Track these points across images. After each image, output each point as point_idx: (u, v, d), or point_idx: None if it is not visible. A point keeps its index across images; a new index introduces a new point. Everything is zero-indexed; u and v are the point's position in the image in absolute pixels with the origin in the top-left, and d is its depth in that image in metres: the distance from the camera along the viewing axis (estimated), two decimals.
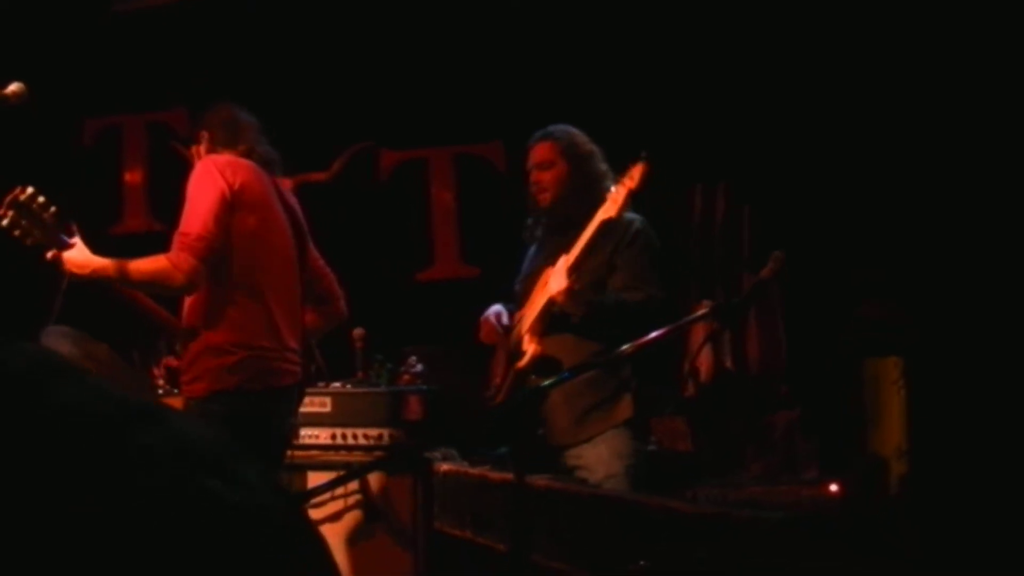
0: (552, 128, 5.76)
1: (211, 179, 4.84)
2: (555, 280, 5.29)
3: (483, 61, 8.20)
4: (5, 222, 4.67)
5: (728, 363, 7.38)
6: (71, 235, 4.83)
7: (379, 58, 8.44)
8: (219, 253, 4.79)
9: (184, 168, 8.63)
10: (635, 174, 5.17)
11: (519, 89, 8.00)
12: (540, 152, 5.71)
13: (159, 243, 8.20)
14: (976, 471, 5.86)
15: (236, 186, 4.85)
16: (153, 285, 4.85)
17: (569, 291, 5.22)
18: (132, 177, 9.30)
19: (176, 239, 4.76)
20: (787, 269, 4.95)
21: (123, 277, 4.80)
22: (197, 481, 0.77)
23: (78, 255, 4.79)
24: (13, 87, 4.31)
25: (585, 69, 7.89)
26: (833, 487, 5.72)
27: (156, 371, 6.73)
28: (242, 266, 4.89)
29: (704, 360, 7.27)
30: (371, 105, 8.56)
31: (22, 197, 4.68)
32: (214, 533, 0.76)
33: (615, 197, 5.20)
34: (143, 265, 4.77)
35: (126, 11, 8.89)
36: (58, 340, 6.08)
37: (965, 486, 5.81)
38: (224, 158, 5.00)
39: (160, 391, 6.63)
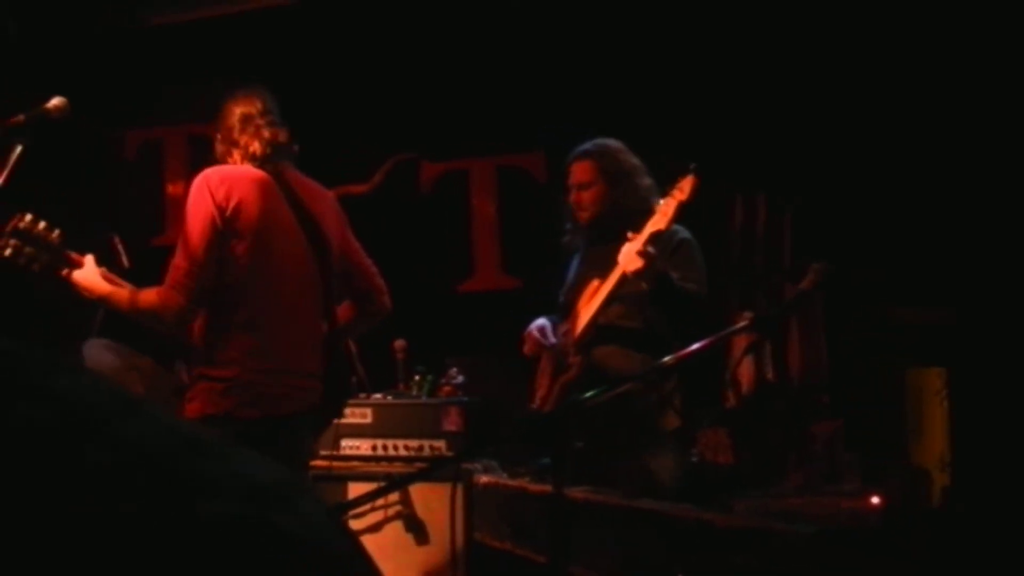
0: (591, 145, 5.76)
1: (203, 200, 4.73)
2: (627, 257, 5.24)
3: (523, 72, 8.21)
4: (8, 252, 4.67)
5: (769, 374, 7.36)
6: (80, 256, 4.84)
7: (420, 70, 8.46)
8: (209, 287, 4.70)
9: None
10: (685, 186, 5.13)
11: (560, 99, 8.00)
12: (579, 171, 5.73)
13: None
14: (1020, 482, 5.83)
15: (229, 210, 4.72)
16: (148, 320, 4.81)
17: (647, 263, 5.17)
18: (174, 189, 9.35)
19: (169, 271, 4.71)
20: (830, 280, 4.93)
21: (124, 307, 4.80)
22: (258, 511, 0.77)
23: (87, 278, 4.80)
24: (55, 101, 4.32)
25: (626, 80, 7.89)
26: (875, 499, 5.69)
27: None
28: (236, 294, 4.77)
29: (745, 371, 7.25)
30: (412, 117, 8.58)
31: (22, 225, 4.68)
32: (273, 564, 0.75)
33: (665, 209, 5.17)
34: (141, 299, 4.75)
35: (165, 24, 8.95)
36: (101, 352, 6.13)
37: (1008, 497, 5.79)
38: (220, 173, 4.86)
39: None
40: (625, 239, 5.30)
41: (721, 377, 7.18)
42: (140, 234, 8.63)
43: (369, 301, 5.33)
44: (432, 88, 8.45)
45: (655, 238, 5.22)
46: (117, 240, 6.08)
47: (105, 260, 5.05)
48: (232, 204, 4.73)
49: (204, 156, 9.16)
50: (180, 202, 9.26)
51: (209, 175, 4.81)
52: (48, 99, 4.35)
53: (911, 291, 6.95)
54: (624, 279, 5.30)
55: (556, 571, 4.10)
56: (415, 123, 8.64)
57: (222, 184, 4.76)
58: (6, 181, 4.07)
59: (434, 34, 8.42)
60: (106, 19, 8.86)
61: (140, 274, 5.57)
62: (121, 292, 4.80)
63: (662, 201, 5.21)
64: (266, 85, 5.24)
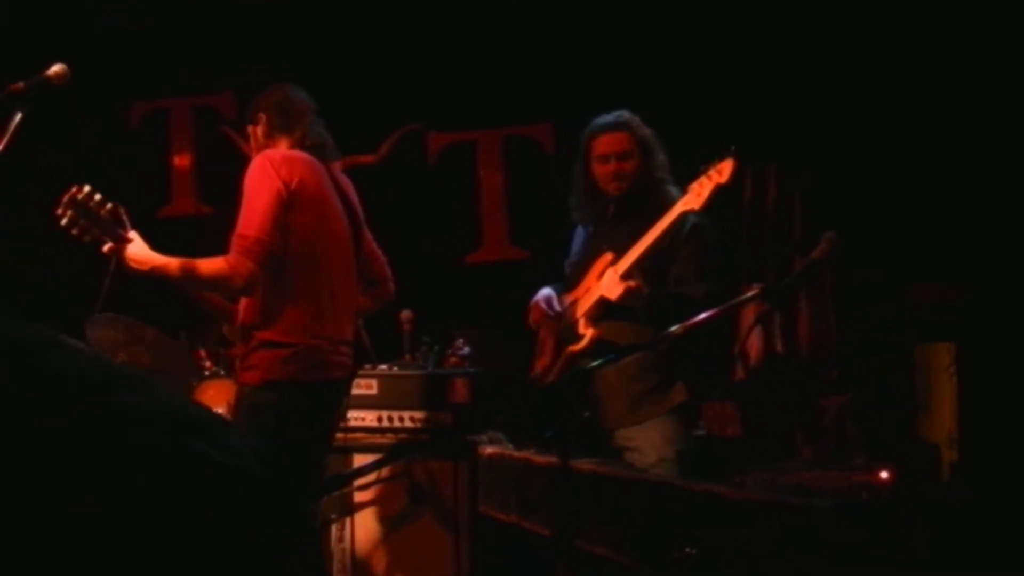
0: (622, 116, 5.70)
1: (267, 177, 4.88)
2: (608, 284, 5.24)
3: (531, 42, 8.16)
4: (64, 221, 4.78)
5: (778, 346, 7.33)
6: (128, 230, 4.92)
7: (427, 40, 8.42)
8: (277, 255, 4.86)
9: (231, 152, 8.68)
10: (724, 169, 5.05)
11: (568, 70, 7.96)
12: (616, 142, 5.65)
13: (207, 226, 8.25)
14: None
15: (293, 184, 4.90)
16: (212, 287, 5.01)
17: (624, 294, 5.17)
18: (180, 160, 9.32)
19: (235, 241, 4.81)
20: (839, 251, 4.88)
21: (182, 276, 4.90)
22: (183, 441, 0.82)
23: (138, 251, 4.90)
24: (55, 68, 4.30)
25: (634, 51, 7.84)
26: (884, 474, 5.65)
27: (203, 353, 6.76)
28: (299, 264, 4.95)
29: (754, 343, 7.22)
30: (419, 87, 8.54)
31: (80, 196, 4.80)
32: (199, 489, 0.80)
33: (699, 190, 5.10)
34: (203, 266, 4.84)
35: None
36: (105, 326, 6.12)
37: (1017, 473, 5.76)
38: (280, 154, 5.03)
39: (206, 373, 6.65)
40: (639, 215, 5.28)
41: (730, 349, 7.15)
42: (146, 206, 8.59)
43: (377, 285, 5.57)
44: (439, 58, 8.41)
45: (683, 218, 5.18)
46: (123, 211, 6.04)
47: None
48: (295, 180, 4.92)
49: (210, 127, 9.18)
50: (185, 174, 9.29)
51: (271, 155, 4.99)
52: (49, 66, 4.32)
53: (921, 266, 6.91)
54: (603, 300, 5.30)
55: (562, 544, 4.07)
56: (422, 93, 8.60)
57: (284, 163, 4.95)
58: (6, 148, 4.05)
59: (441, 4, 8.37)
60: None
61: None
62: (176, 262, 4.89)
63: (696, 181, 5.15)
64: (273, 55, 5.35)
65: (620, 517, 4.24)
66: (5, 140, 4.07)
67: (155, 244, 4.99)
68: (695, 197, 5.11)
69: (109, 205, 4.86)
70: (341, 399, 5.29)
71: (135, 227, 5.67)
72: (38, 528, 0.74)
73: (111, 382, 0.83)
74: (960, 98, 6.90)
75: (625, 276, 5.18)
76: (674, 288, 5.38)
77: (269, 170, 4.89)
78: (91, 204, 4.81)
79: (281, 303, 4.93)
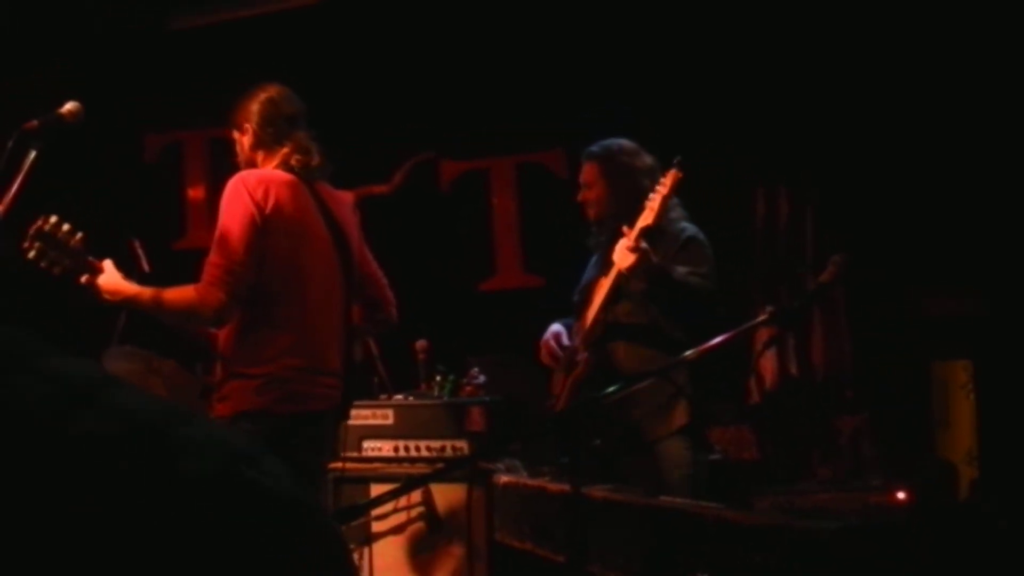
0: (596, 147, 5.83)
1: (241, 201, 4.70)
2: (620, 254, 5.27)
3: (542, 69, 8.19)
4: (32, 253, 4.64)
5: (793, 368, 7.33)
6: (99, 260, 4.78)
7: (439, 69, 8.45)
8: (251, 283, 4.69)
9: None
10: (667, 180, 5.22)
11: (579, 96, 7.99)
12: (583, 172, 5.84)
13: None
14: None
15: (268, 208, 4.71)
16: (183, 317, 4.79)
17: (638, 260, 5.20)
18: (194, 193, 9.38)
19: (206, 268, 4.66)
20: (850, 272, 4.90)
21: (154, 306, 4.75)
22: (237, 470, 0.84)
23: (110, 281, 4.75)
24: (69, 106, 4.32)
25: (646, 76, 7.87)
26: (901, 494, 5.66)
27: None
28: (275, 291, 4.77)
29: (768, 366, 7.23)
30: (431, 116, 8.57)
31: (46, 227, 4.64)
32: (253, 517, 0.83)
33: (651, 205, 5.23)
34: (173, 296, 4.70)
35: (185, 28, 8.97)
36: (121, 358, 6.15)
37: None
38: (255, 175, 4.84)
39: None
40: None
41: (745, 374, 7.16)
42: (160, 238, 8.64)
43: (378, 310, 5.34)
44: (451, 87, 8.44)
45: (645, 233, 5.24)
46: (137, 244, 6.08)
47: (125, 264, 5.04)
48: (270, 204, 4.73)
49: (224, 160, 9.21)
50: (200, 205, 9.34)
51: (246, 177, 4.81)
52: (63, 104, 4.34)
53: (935, 281, 6.92)
54: (622, 276, 5.33)
55: (575, 570, 4.09)
56: (434, 122, 8.63)
57: (259, 185, 4.75)
58: (21, 186, 4.07)
59: (453, 34, 8.41)
60: (128, 23, 8.87)
61: (160, 278, 5.59)
62: (148, 292, 4.74)
63: (648, 199, 5.25)
64: (287, 86, 5.21)
65: (632, 543, 4.25)
66: (20, 178, 4.08)
67: (170, 277, 4.97)
68: (649, 213, 5.25)
69: (78, 235, 4.69)
70: (325, 432, 5.05)
71: (150, 260, 5.72)
72: (109, 560, 0.79)
73: (170, 416, 0.87)
74: (970, 114, 6.91)
75: (634, 247, 5.20)
76: (683, 273, 5.42)
77: (243, 193, 4.71)
78: (59, 235, 4.65)
79: (255, 332, 4.76)
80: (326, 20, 8.65)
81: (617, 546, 4.28)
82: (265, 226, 4.69)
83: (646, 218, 5.23)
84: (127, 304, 4.84)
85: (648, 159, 5.72)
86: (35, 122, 4.18)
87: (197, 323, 4.84)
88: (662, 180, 5.22)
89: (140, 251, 6.14)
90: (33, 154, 4.11)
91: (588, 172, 5.79)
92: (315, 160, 4.99)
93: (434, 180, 8.89)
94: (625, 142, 5.79)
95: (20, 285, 6.45)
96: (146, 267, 5.97)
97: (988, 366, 6.59)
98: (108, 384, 0.89)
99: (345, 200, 5.25)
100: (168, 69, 8.93)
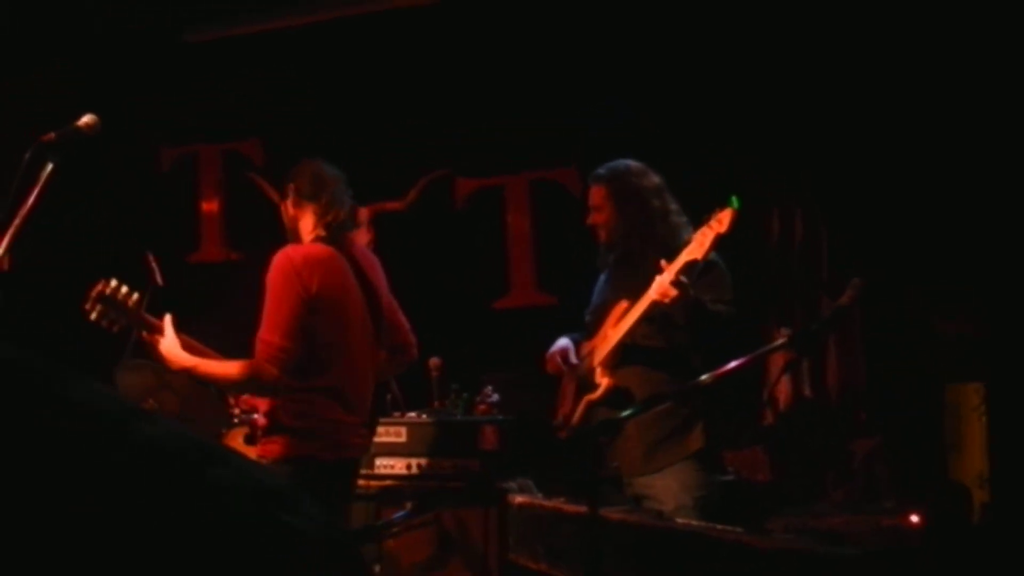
0: (603, 169, 5.80)
1: (289, 283, 5.00)
2: (660, 288, 5.23)
3: (555, 87, 8.19)
4: (94, 316, 4.99)
5: (807, 391, 7.31)
6: (160, 321, 5.09)
7: (453, 87, 8.46)
8: (300, 359, 5.00)
9: (260, 198, 8.73)
10: (724, 219, 5.11)
11: (593, 113, 7.98)
12: (591, 196, 5.82)
13: (235, 272, 8.28)
14: None
15: (314, 288, 5.02)
16: (236, 389, 5.39)
17: (679, 295, 5.17)
18: (208, 206, 9.39)
19: (258, 346, 4.97)
20: (866, 295, 4.88)
21: (207, 378, 5.20)
22: (271, 512, 0.87)
23: (171, 349, 5.06)
24: (86, 118, 4.34)
25: (660, 94, 7.87)
26: (914, 517, 5.63)
27: (231, 400, 6.77)
28: (320, 360, 5.08)
29: (782, 388, 7.21)
30: (445, 133, 8.58)
31: (107, 291, 4.99)
32: (286, 555, 0.85)
33: (701, 240, 5.16)
34: (228, 370, 5.06)
35: (200, 41, 8.98)
36: (135, 372, 6.16)
37: None
38: (301, 254, 5.13)
39: (235, 420, 6.66)
40: (648, 261, 5.29)
41: (758, 395, 7.14)
42: (175, 251, 8.64)
43: (401, 353, 5.69)
44: (465, 104, 8.44)
45: (688, 268, 5.21)
46: (151, 257, 6.07)
47: (140, 277, 5.15)
48: (316, 283, 5.04)
49: (238, 173, 9.25)
50: (214, 219, 9.35)
51: (291, 255, 5.10)
52: (80, 116, 4.35)
53: (950, 304, 6.90)
54: (654, 306, 5.29)
55: None
56: (449, 139, 8.64)
57: (306, 266, 5.06)
58: (38, 199, 4.08)
59: (468, 51, 8.42)
60: (144, 35, 8.89)
61: (174, 291, 5.62)
62: (207, 364, 5.11)
63: (699, 231, 5.19)
64: (301, 102, 5.33)
65: (648, 565, 4.23)
66: (37, 190, 4.10)
67: (185, 290, 5.13)
68: (698, 247, 5.16)
69: (135, 296, 5.05)
70: (355, 473, 5.47)
71: (163, 272, 5.82)
72: None
73: (202, 454, 0.88)
74: (984, 135, 6.90)
75: (675, 282, 5.16)
76: (711, 304, 5.39)
77: (291, 274, 5.01)
78: (118, 297, 5.00)
79: (303, 396, 5.08)
80: (340, 37, 8.66)
81: (632, 569, 4.26)
82: (313, 304, 5.02)
83: (693, 252, 5.16)
84: (182, 372, 5.18)
85: (656, 178, 5.69)
86: (52, 135, 4.21)
87: (251, 392, 5.43)
88: (718, 217, 5.12)
89: (154, 264, 6.13)
90: (50, 166, 4.13)
91: (596, 195, 5.77)
92: (344, 212, 5.34)
93: (448, 197, 8.90)
94: (632, 162, 5.76)
95: (33, 300, 6.46)
96: (160, 280, 5.96)
97: (1000, 389, 6.58)
98: (143, 419, 0.90)
99: (375, 263, 5.59)
100: (183, 82, 8.94)
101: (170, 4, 8.70)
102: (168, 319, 5.10)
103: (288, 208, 5.38)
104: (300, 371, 5.02)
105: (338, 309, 5.15)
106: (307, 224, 5.29)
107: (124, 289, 5.02)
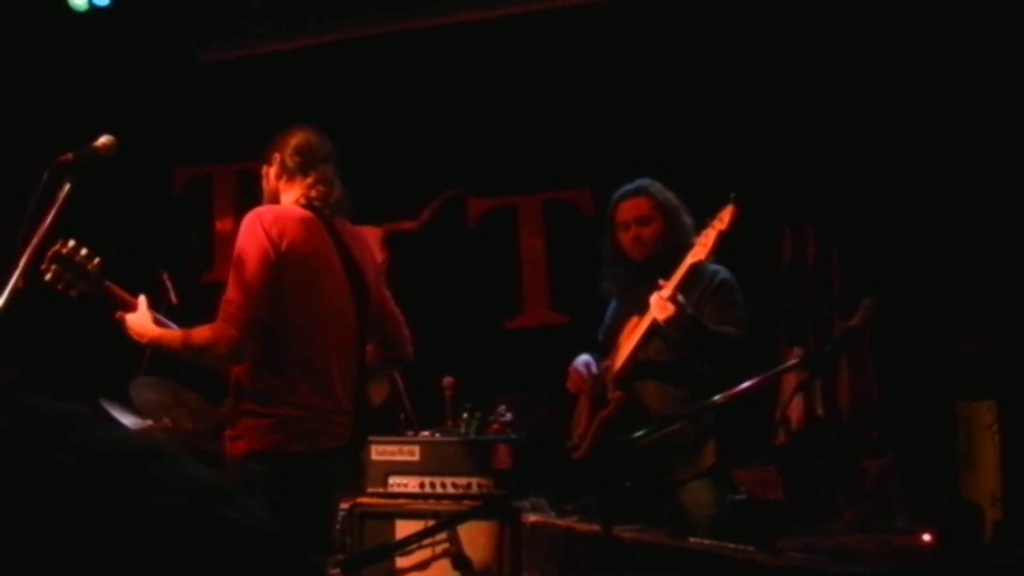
0: (643, 183, 5.77)
1: (256, 238, 4.68)
2: (657, 306, 5.25)
3: (569, 107, 8.22)
4: (48, 276, 4.70)
5: (819, 409, 7.32)
6: (110, 286, 4.82)
7: (467, 107, 8.48)
8: (263, 320, 4.64)
9: None
10: (725, 216, 5.14)
11: (606, 135, 8.01)
12: (638, 207, 5.73)
13: None
14: None
15: (283, 246, 4.69)
16: (200, 356, 4.71)
17: (675, 314, 5.18)
18: (223, 225, 9.40)
19: (222, 306, 4.64)
20: (877, 315, 4.89)
21: (176, 348, 4.73)
22: (212, 507, 0.88)
23: (138, 322, 4.79)
24: (103, 139, 4.34)
25: (672, 116, 7.89)
26: (926, 536, 5.64)
27: None
28: (288, 330, 4.73)
29: (794, 407, 7.22)
30: (459, 153, 8.60)
31: (64, 250, 4.71)
32: (224, 549, 0.86)
33: (704, 240, 5.19)
34: (194, 336, 4.67)
35: (215, 61, 9.01)
36: (148, 389, 6.16)
37: None
38: (272, 212, 4.83)
39: None
40: (664, 276, 5.30)
41: (771, 414, 7.14)
42: (189, 270, 8.67)
43: (394, 348, 5.30)
44: (479, 125, 8.47)
45: (693, 271, 5.23)
46: (166, 276, 6.10)
47: (154, 296, 5.05)
48: (285, 242, 4.70)
49: (253, 192, 9.27)
50: (229, 238, 9.35)
51: (261, 212, 4.78)
52: (97, 137, 4.37)
53: (961, 322, 6.91)
54: (655, 323, 5.31)
55: None
56: (462, 159, 8.66)
57: (275, 222, 4.73)
58: (55, 219, 4.09)
59: (481, 72, 8.44)
60: (158, 56, 8.93)
61: (189, 310, 5.61)
62: (171, 333, 4.76)
63: (702, 232, 5.22)
64: (315, 124, 5.20)
65: None
66: (55, 210, 4.11)
67: (198, 309, 4.98)
68: (701, 248, 5.19)
69: (96, 260, 4.76)
70: (335, 467, 4.94)
71: (178, 292, 5.74)
72: None
73: (144, 453, 0.89)
74: (996, 156, 6.91)
75: (672, 298, 5.18)
76: (713, 325, 5.40)
77: (258, 230, 4.69)
78: (77, 258, 4.72)
79: (269, 372, 4.72)
80: (354, 57, 8.69)
81: None
82: (279, 263, 4.68)
83: (697, 253, 5.20)
84: (151, 344, 4.84)
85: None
86: (70, 155, 4.21)
87: (213, 361, 4.77)
88: (719, 216, 5.17)
89: (169, 283, 6.15)
90: (67, 187, 4.14)
91: (643, 207, 5.70)
92: (335, 194, 4.99)
93: (462, 217, 8.92)
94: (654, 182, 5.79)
95: (46, 317, 6.50)
96: (174, 299, 5.99)
97: (1013, 406, 6.57)
98: (86, 422, 0.92)
99: (364, 237, 5.25)
100: (198, 102, 8.98)
101: (185, 23, 8.74)
102: (143, 298, 4.83)
103: (270, 177, 5.10)
104: (265, 341, 4.66)
105: (311, 272, 4.79)
106: (289, 199, 4.99)
107: (84, 251, 4.73)
